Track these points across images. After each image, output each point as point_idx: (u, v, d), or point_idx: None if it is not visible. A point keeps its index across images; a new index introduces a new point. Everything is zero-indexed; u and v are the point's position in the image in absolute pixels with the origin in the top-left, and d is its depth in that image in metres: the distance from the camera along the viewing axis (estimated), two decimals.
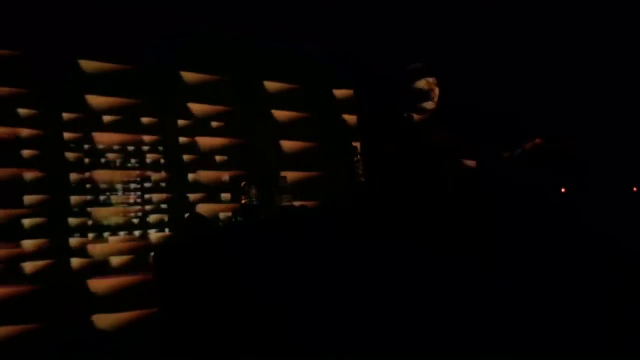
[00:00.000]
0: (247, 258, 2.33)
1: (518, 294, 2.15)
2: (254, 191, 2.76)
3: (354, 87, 5.18)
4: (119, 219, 3.91)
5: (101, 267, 3.80)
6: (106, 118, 4.02)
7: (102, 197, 3.88)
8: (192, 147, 4.36)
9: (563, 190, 2.53)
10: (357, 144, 2.82)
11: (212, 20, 4.48)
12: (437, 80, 2.82)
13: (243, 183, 2.79)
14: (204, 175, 4.34)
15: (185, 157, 4.30)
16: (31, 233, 3.60)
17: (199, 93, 4.43)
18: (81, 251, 3.76)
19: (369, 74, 4.80)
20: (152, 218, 4.05)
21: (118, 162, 3.99)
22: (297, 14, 4.62)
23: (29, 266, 3.57)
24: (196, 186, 4.30)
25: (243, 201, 2.78)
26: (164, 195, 4.12)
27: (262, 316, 2.28)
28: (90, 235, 3.81)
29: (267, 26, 4.64)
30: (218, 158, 4.46)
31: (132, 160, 4.05)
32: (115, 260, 3.84)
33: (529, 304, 2.14)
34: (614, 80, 4.08)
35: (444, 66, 3.74)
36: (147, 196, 4.05)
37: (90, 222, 3.81)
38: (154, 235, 4.02)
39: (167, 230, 4.06)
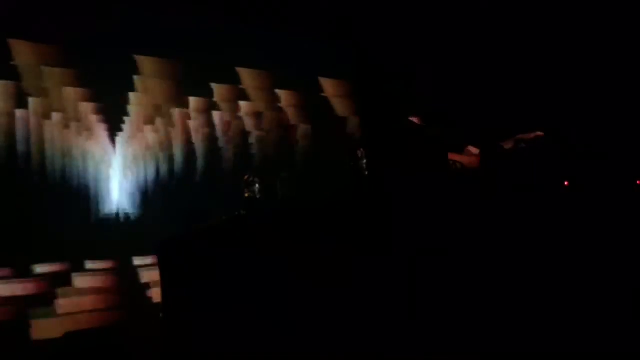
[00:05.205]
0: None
1: None
2: (257, 185, 2.76)
3: (356, 80, 5.18)
4: None
5: None
6: None
7: None
8: None
9: (566, 183, 2.54)
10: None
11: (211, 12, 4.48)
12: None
13: (246, 177, 2.79)
14: None
15: None
16: None
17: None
18: None
19: (371, 66, 4.80)
20: None
21: None
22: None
23: None
24: None
25: (246, 195, 2.78)
26: None
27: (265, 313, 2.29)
28: None
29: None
30: None
31: None
32: None
33: None
34: (615, 73, 4.08)
35: (444, 62, 3.74)
36: None
37: None
38: None
39: None
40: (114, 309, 3.83)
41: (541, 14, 4.36)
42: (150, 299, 3.95)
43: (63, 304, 3.66)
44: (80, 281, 3.77)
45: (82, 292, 3.76)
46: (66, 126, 3.90)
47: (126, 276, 3.94)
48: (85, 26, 3.95)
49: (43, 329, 3.58)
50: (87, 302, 3.75)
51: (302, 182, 4.68)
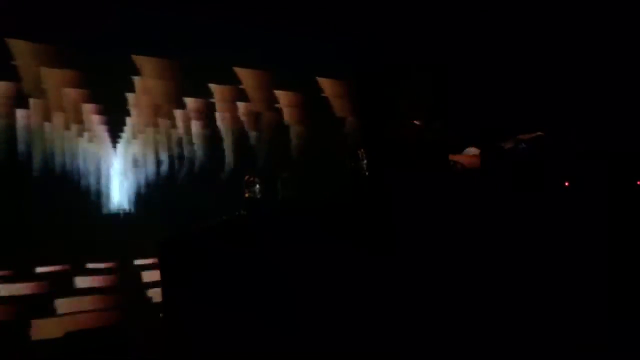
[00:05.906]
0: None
1: None
2: (257, 185, 2.76)
3: (356, 80, 5.19)
4: None
5: None
6: None
7: None
8: None
9: (566, 183, 2.54)
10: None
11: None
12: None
13: (246, 177, 2.78)
14: None
15: None
16: None
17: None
18: None
19: (371, 65, 4.81)
20: None
21: None
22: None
23: None
24: None
25: (246, 195, 2.78)
26: None
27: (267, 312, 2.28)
28: None
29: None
30: None
31: None
32: None
33: None
34: (614, 73, 4.08)
35: (444, 62, 3.74)
36: None
37: None
38: None
39: None
40: (114, 309, 3.83)
41: (542, 14, 4.36)
42: (150, 299, 3.96)
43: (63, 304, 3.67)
44: (80, 281, 3.77)
45: (82, 292, 3.76)
46: (66, 126, 3.90)
47: (126, 276, 3.94)
48: (85, 26, 3.96)
49: (43, 329, 3.58)
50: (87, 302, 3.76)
51: (302, 182, 4.68)
